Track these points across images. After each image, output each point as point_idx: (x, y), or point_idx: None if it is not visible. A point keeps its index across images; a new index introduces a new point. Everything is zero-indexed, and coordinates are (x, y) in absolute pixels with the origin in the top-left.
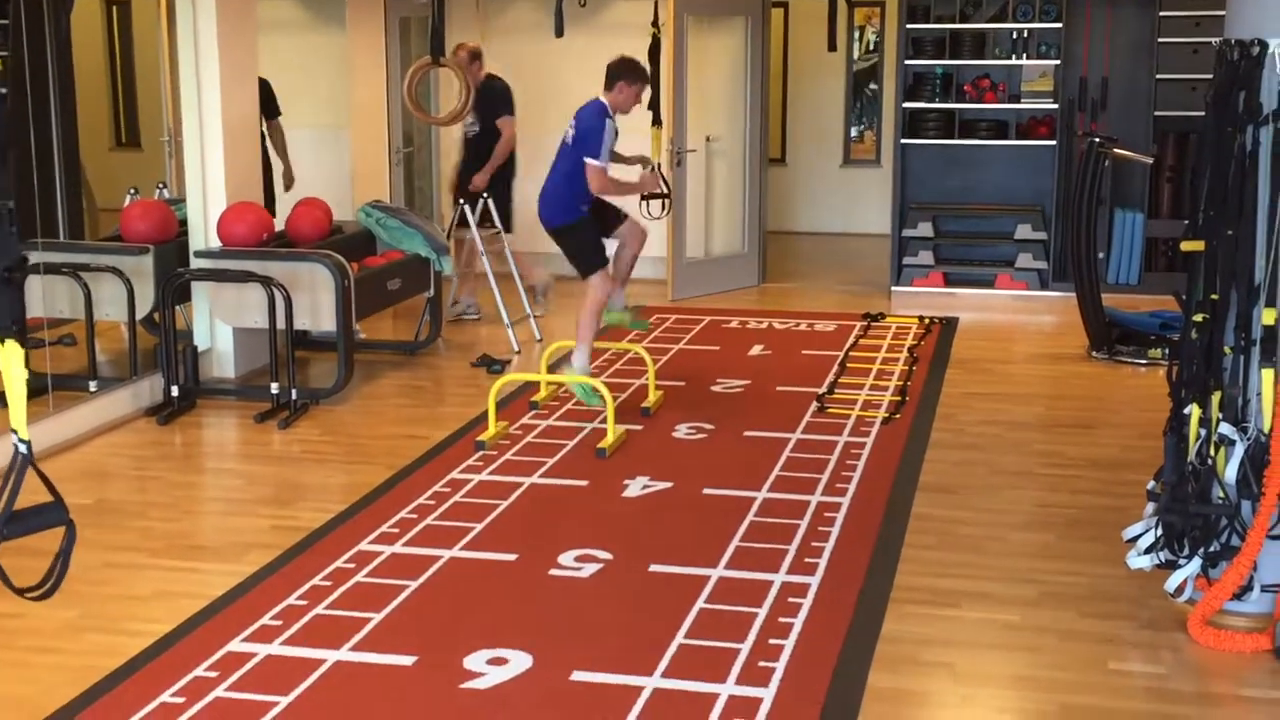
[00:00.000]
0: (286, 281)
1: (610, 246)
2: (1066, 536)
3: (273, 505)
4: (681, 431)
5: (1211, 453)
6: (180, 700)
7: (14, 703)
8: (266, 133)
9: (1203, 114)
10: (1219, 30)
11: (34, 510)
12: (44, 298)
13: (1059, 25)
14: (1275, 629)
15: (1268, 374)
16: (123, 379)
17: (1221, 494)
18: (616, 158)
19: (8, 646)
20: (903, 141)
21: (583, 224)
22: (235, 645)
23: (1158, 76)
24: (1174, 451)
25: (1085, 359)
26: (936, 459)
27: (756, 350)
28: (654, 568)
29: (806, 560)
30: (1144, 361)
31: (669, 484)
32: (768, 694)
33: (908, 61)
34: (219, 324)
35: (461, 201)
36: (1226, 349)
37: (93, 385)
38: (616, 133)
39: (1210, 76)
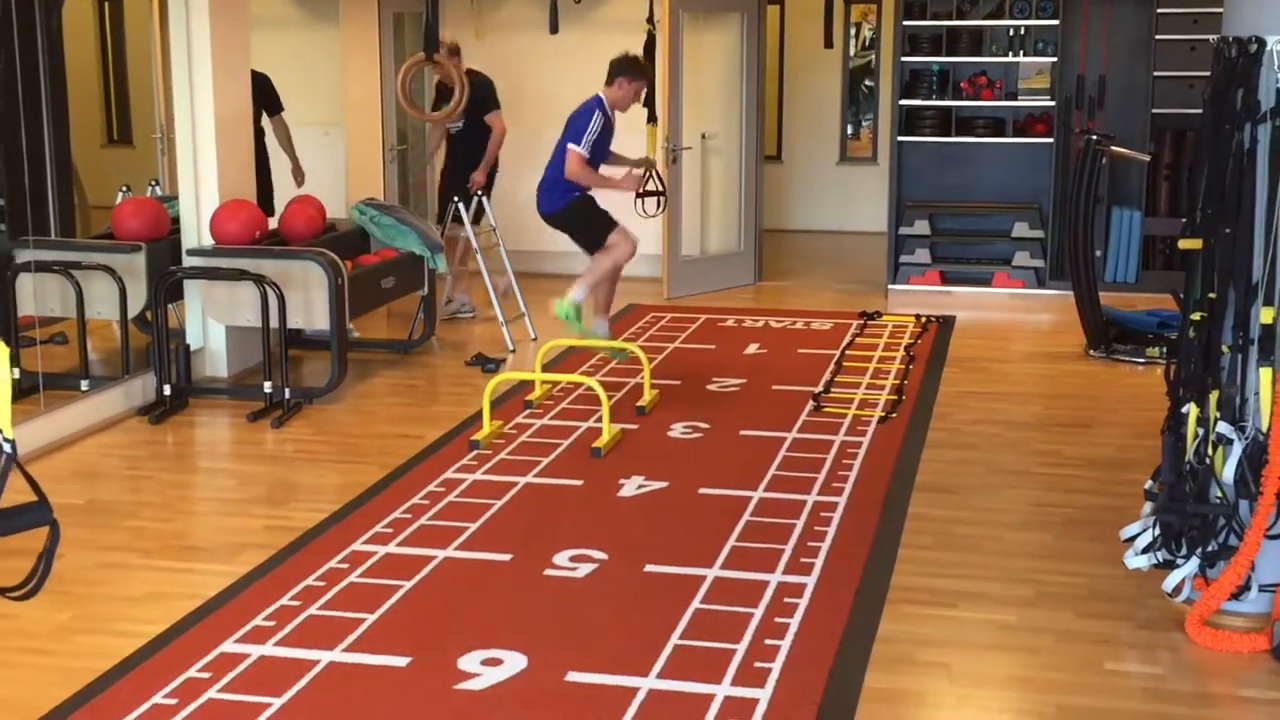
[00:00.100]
0: (279, 280)
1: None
2: (1064, 536)
3: (266, 505)
4: (677, 431)
5: (1209, 452)
6: (173, 702)
7: (5, 704)
8: (271, 129)
9: (1200, 111)
10: (1217, 27)
11: (17, 510)
12: (35, 296)
13: (1056, 22)
14: (1273, 629)
15: (1265, 373)
16: (114, 378)
17: (1219, 493)
18: (617, 159)
19: None
20: (899, 139)
21: (576, 203)
22: (228, 646)
23: (1155, 74)
24: (1172, 451)
25: (1082, 358)
26: (933, 458)
27: (752, 349)
28: (649, 568)
29: (802, 560)
30: (1141, 360)
31: (664, 483)
32: (764, 695)
33: (904, 58)
34: (211, 322)
35: (456, 199)
36: (1224, 348)
37: (84, 384)
38: (611, 130)
39: (1208, 74)
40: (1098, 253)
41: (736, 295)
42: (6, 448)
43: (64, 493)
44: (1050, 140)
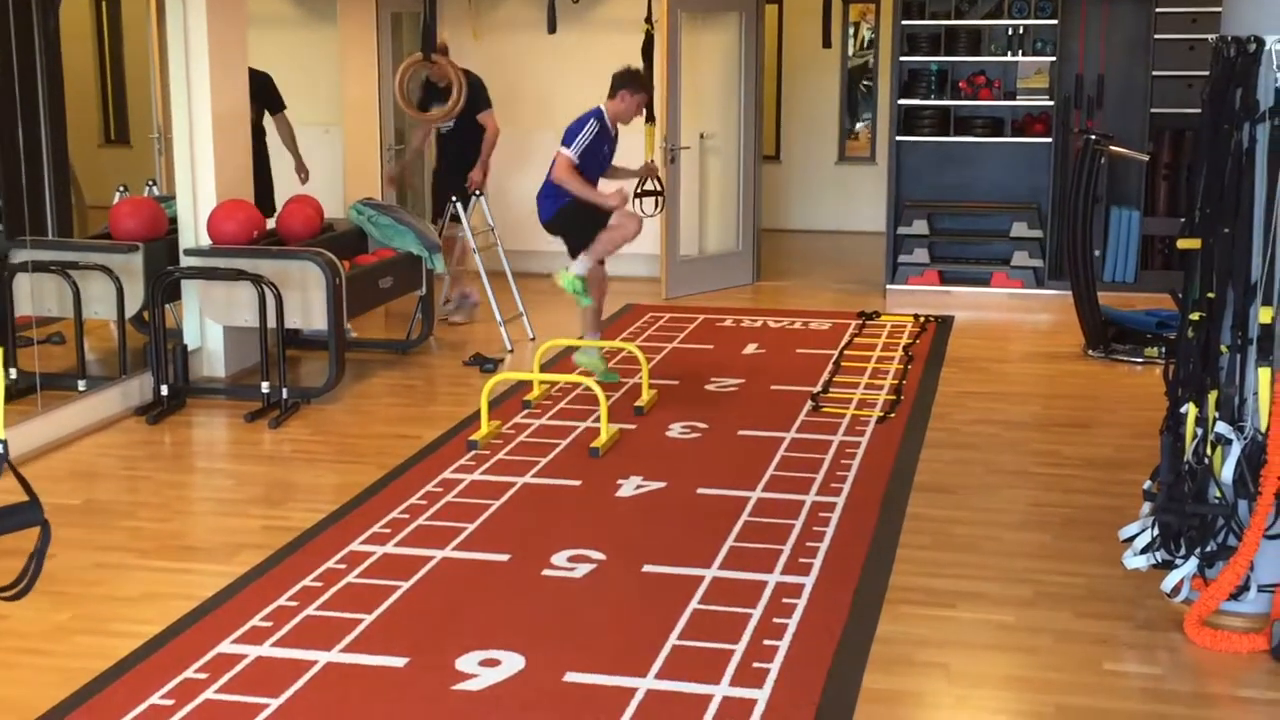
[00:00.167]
0: (277, 280)
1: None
2: (1062, 536)
3: (263, 505)
4: (675, 431)
5: (1208, 452)
6: (170, 703)
7: (2, 705)
8: (275, 127)
9: (1199, 111)
10: (1215, 27)
11: (8, 510)
12: (32, 296)
13: (1055, 22)
14: (1272, 629)
15: (1264, 373)
16: (112, 378)
17: (1218, 493)
18: (619, 172)
19: None
20: (898, 138)
21: (567, 209)
22: (225, 647)
23: (1154, 73)
24: (1170, 451)
25: (1081, 357)
26: (932, 458)
27: (751, 349)
28: (647, 568)
29: (801, 560)
30: (1140, 360)
31: (663, 484)
32: (762, 695)
33: (903, 58)
34: (209, 323)
35: (454, 199)
36: (1223, 348)
37: (82, 384)
38: (611, 142)
39: (1207, 73)
40: (1096, 252)
41: (735, 295)
42: None
43: (61, 493)
44: (1049, 140)
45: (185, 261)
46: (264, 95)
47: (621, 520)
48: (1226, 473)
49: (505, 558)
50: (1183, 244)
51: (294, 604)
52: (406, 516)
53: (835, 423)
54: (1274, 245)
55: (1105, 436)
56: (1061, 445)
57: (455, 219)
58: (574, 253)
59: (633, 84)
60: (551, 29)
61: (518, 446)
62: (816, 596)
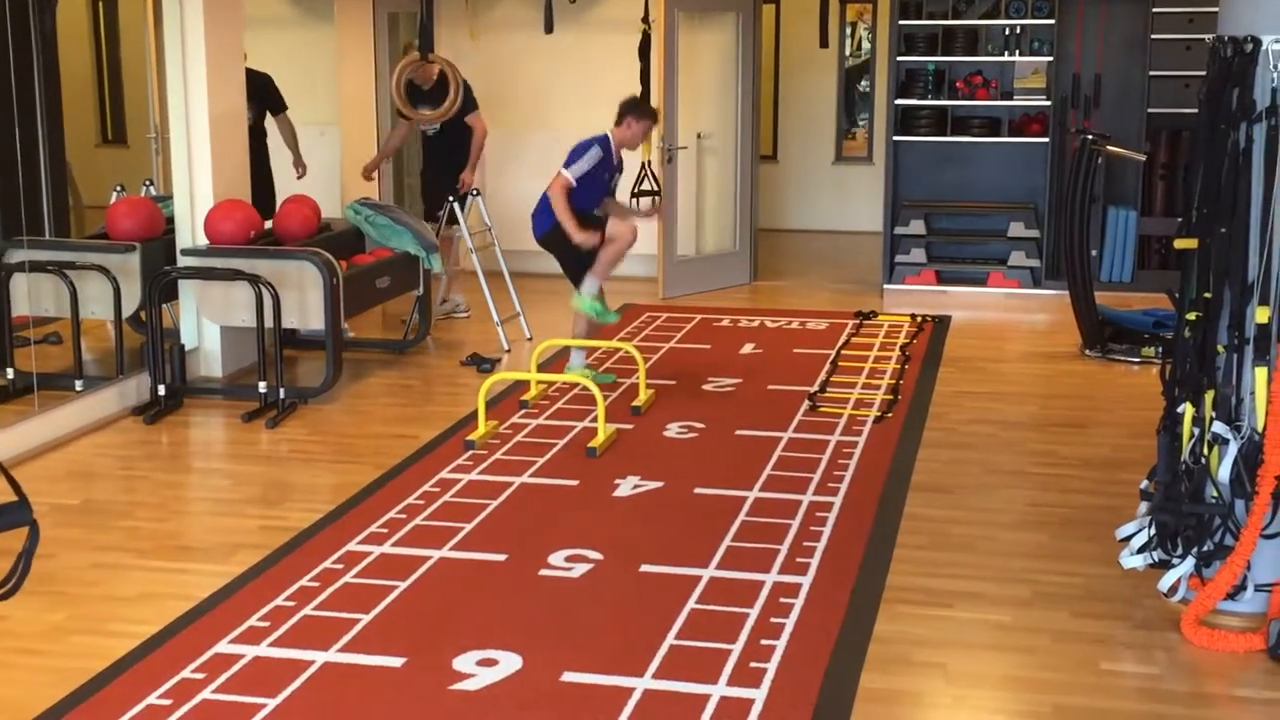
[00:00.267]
0: (274, 280)
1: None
2: (1060, 536)
3: (260, 505)
4: (673, 431)
5: (1205, 452)
6: (167, 703)
7: None
8: (277, 128)
9: (1196, 111)
10: (1212, 27)
11: None
12: (29, 296)
13: (1051, 22)
14: (1269, 629)
15: (1261, 372)
16: (109, 378)
17: (1215, 493)
18: (620, 209)
19: None
20: (895, 138)
21: (559, 228)
22: (223, 647)
23: (1151, 73)
24: (1167, 450)
25: (1078, 357)
26: (929, 458)
27: (748, 349)
28: (645, 568)
29: (798, 560)
30: (1137, 360)
31: (660, 483)
32: (759, 695)
33: (900, 58)
34: (206, 322)
35: (452, 199)
36: (1220, 347)
37: (79, 384)
38: (613, 170)
39: (1204, 73)
40: (1093, 252)
41: (732, 295)
42: None
43: (58, 493)
44: (1046, 140)
45: (182, 261)
46: (266, 97)
47: (619, 520)
48: (1223, 472)
49: (502, 558)
50: (1180, 244)
51: (291, 604)
52: (404, 516)
53: (832, 422)
54: (1271, 245)
55: (1102, 436)
56: (1059, 445)
57: (452, 220)
58: (569, 275)
59: (638, 111)
60: (548, 29)
61: (515, 446)
62: (814, 596)
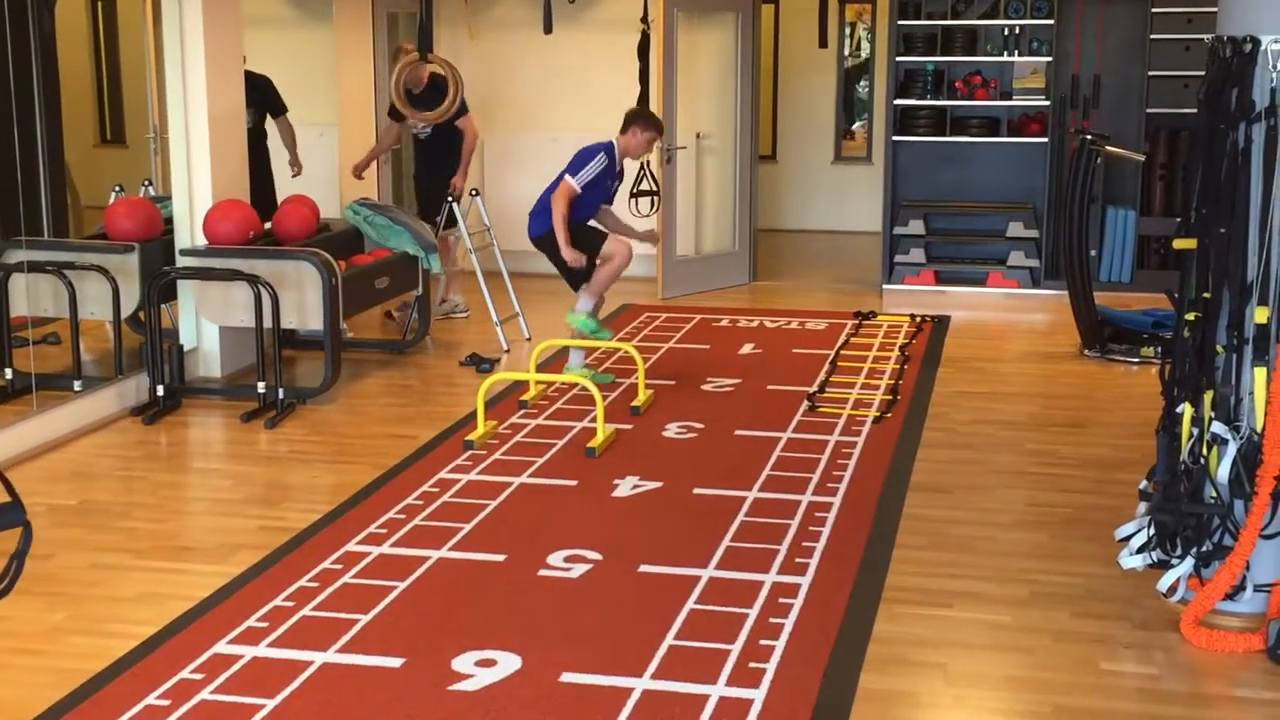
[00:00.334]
0: (273, 280)
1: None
2: (1059, 536)
3: (259, 506)
4: (672, 431)
5: (1204, 452)
6: (166, 703)
7: None
8: (277, 130)
9: (1195, 111)
10: (1211, 27)
11: None
12: (28, 296)
13: (1051, 22)
14: (1268, 629)
15: (1260, 373)
16: (108, 378)
17: (1214, 493)
18: (620, 226)
19: None
20: (894, 138)
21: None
22: (221, 647)
23: (1150, 73)
24: (1166, 450)
25: (1077, 357)
26: (928, 458)
27: (747, 349)
28: (644, 568)
29: (797, 560)
30: (1136, 360)
31: (659, 484)
32: (758, 695)
33: (899, 58)
34: (205, 323)
35: (450, 199)
36: (1219, 347)
37: (77, 385)
38: (614, 179)
39: (1203, 74)
40: (1092, 252)
41: (731, 295)
42: None
43: (57, 493)
44: (1045, 140)
45: (181, 261)
46: (265, 99)
47: (618, 520)
48: (1222, 472)
49: (501, 558)
50: (1179, 244)
51: (290, 604)
52: (403, 517)
53: (832, 423)
54: (1270, 245)
55: (1101, 436)
56: (1058, 445)
57: (451, 221)
58: (563, 276)
59: (643, 121)
60: (547, 29)
61: (514, 446)
62: (813, 596)
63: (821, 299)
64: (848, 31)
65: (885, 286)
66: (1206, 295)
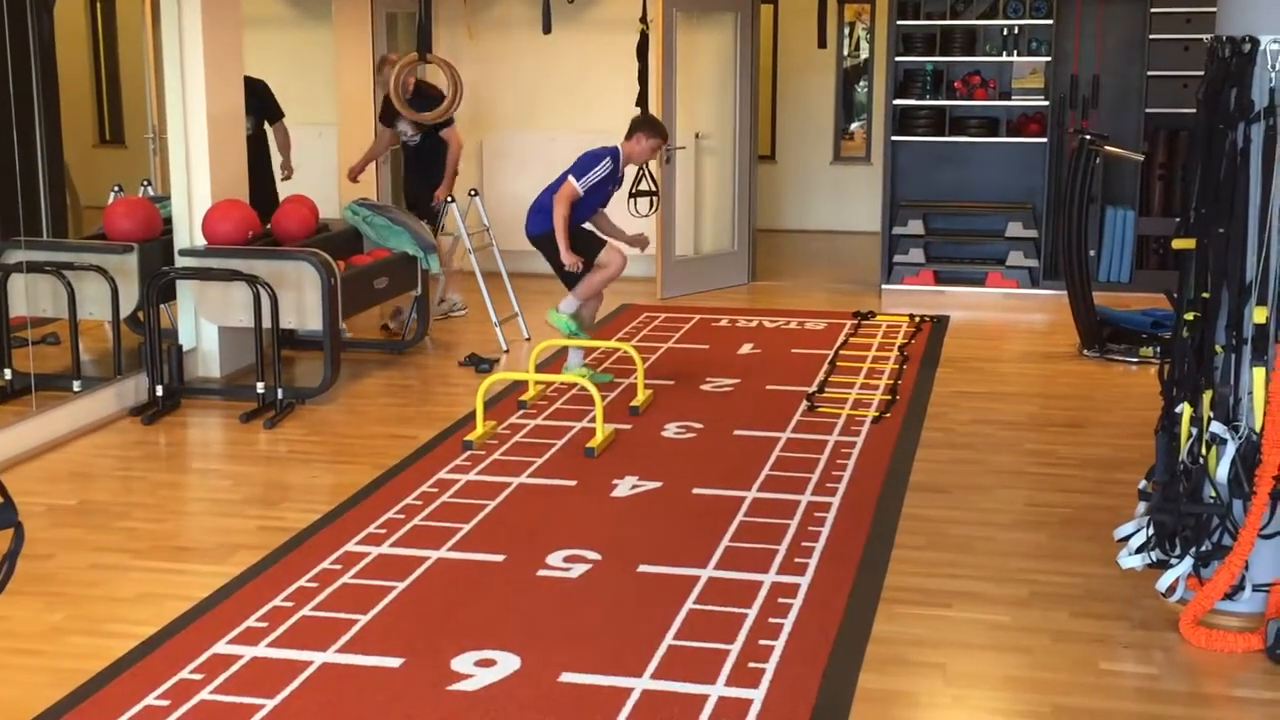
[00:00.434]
0: (272, 280)
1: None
2: (1058, 536)
3: (259, 506)
4: (671, 431)
5: (1203, 452)
6: (165, 703)
7: None
8: (273, 135)
9: (1194, 111)
10: (1210, 27)
11: None
12: (27, 297)
13: (1050, 22)
14: (1267, 628)
15: (1259, 373)
16: (107, 379)
17: (1213, 493)
18: (613, 229)
19: None
20: (893, 138)
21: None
22: (221, 647)
23: (1149, 73)
24: (1165, 450)
25: (1076, 357)
26: (927, 458)
27: (746, 349)
28: (643, 568)
29: (796, 560)
30: (1135, 360)
31: (658, 484)
32: (758, 695)
33: (898, 58)
34: (204, 323)
35: (450, 199)
36: (1218, 347)
37: (76, 385)
38: (615, 184)
39: (1202, 73)
40: (1091, 252)
41: (730, 295)
42: None
43: (56, 494)
44: (1044, 140)
45: (180, 262)
46: (262, 105)
47: (617, 520)
48: (1221, 472)
49: (501, 558)
50: (1178, 244)
51: (289, 604)
52: (402, 517)
53: (831, 423)
54: (1269, 245)
55: (1100, 436)
56: (1057, 445)
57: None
58: (559, 275)
59: (648, 128)
60: (546, 29)
61: (513, 447)
62: (812, 596)
63: (820, 299)
64: (847, 32)
65: (884, 286)
66: (1205, 295)
